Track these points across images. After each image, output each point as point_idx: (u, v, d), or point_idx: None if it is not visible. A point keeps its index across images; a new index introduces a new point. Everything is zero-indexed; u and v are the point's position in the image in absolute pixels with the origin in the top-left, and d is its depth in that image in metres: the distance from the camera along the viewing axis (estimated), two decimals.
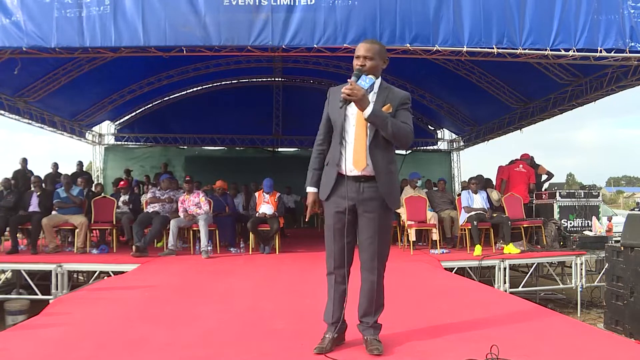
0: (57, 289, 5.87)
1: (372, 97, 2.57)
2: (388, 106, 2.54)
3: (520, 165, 8.77)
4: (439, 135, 15.58)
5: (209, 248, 6.95)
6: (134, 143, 14.72)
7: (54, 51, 6.22)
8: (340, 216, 2.59)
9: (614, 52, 6.39)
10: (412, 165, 13.64)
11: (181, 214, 7.31)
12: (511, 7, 6.23)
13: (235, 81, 13.93)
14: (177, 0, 6.02)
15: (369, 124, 2.52)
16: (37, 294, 5.98)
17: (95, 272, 6.25)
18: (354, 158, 2.55)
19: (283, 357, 2.66)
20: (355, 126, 2.57)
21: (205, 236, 6.94)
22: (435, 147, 15.71)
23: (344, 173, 2.58)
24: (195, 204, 7.35)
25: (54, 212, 7.34)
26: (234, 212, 8.65)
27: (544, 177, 9.39)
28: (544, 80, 8.98)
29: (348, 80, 2.50)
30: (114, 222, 7.55)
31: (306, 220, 3.17)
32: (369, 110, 2.45)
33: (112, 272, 6.07)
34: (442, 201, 8.30)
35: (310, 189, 2.76)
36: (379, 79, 2.63)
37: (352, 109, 2.56)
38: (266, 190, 7.67)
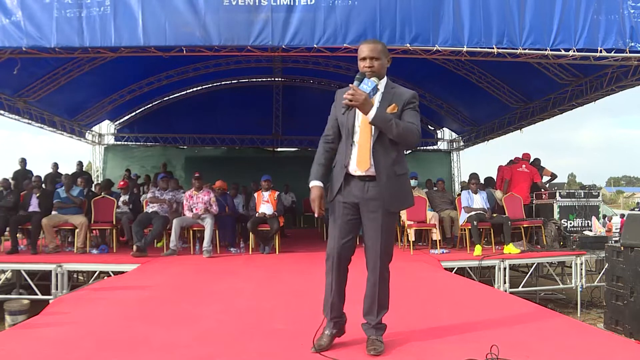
0: (57, 289, 5.88)
1: (378, 97, 2.55)
2: (394, 106, 2.51)
3: (523, 165, 8.77)
4: (439, 135, 15.60)
5: (210, 248, 6.96)
6: (133, 143, 14.73)
7: (54, 51, 6.23)
8: (346, 211, 2.59)
9: (614, 52, 6.40)
10: (412, 165, 13.60)
11: (187, 212, 7.22)
12: (511, 7, 6.23)
13: (235, 81, 13.93)
14: (177, 0, 6.03)
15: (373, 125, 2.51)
16: (37, 294, 5.98)
17: (95, 272, 6.25)
18: (357, 159, 2.55)
19: (283, 357, 2.66)
20: (360, 127, 2.56)
21: (210, 236, 6.95)
22: (435, 147, 15.73)
23: (350, 173, 2.59)
24: (205, 202, 7.27)
25: (54, 212, 7.33)
26: (234, 212, 8.65)
27: (546, 178, 9.39)
28: (544, 80, 8.99)
29: (350, 85, 2.46)
30: (114, 222, 7.55)
31: (316, 215, 2.66)
32: (372, 114, 2.43)
33: (112, 272, 6.08)
34: (442, 201, 8.30)
35: (315, 182, 2.61)
36: (385, 78, 2.60)
37: (358, 110, 2.54)
38: (263, 178, 7.70)
